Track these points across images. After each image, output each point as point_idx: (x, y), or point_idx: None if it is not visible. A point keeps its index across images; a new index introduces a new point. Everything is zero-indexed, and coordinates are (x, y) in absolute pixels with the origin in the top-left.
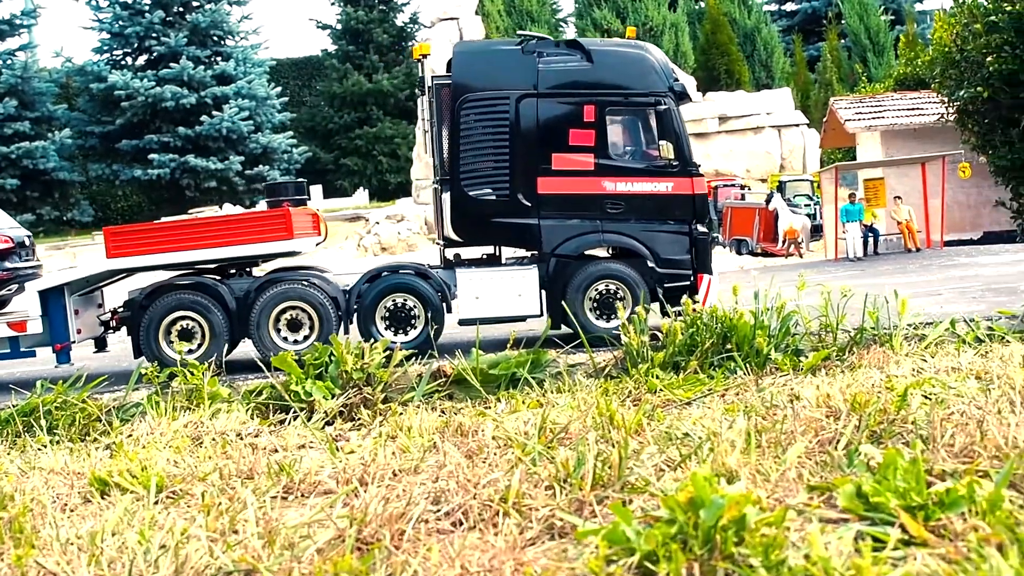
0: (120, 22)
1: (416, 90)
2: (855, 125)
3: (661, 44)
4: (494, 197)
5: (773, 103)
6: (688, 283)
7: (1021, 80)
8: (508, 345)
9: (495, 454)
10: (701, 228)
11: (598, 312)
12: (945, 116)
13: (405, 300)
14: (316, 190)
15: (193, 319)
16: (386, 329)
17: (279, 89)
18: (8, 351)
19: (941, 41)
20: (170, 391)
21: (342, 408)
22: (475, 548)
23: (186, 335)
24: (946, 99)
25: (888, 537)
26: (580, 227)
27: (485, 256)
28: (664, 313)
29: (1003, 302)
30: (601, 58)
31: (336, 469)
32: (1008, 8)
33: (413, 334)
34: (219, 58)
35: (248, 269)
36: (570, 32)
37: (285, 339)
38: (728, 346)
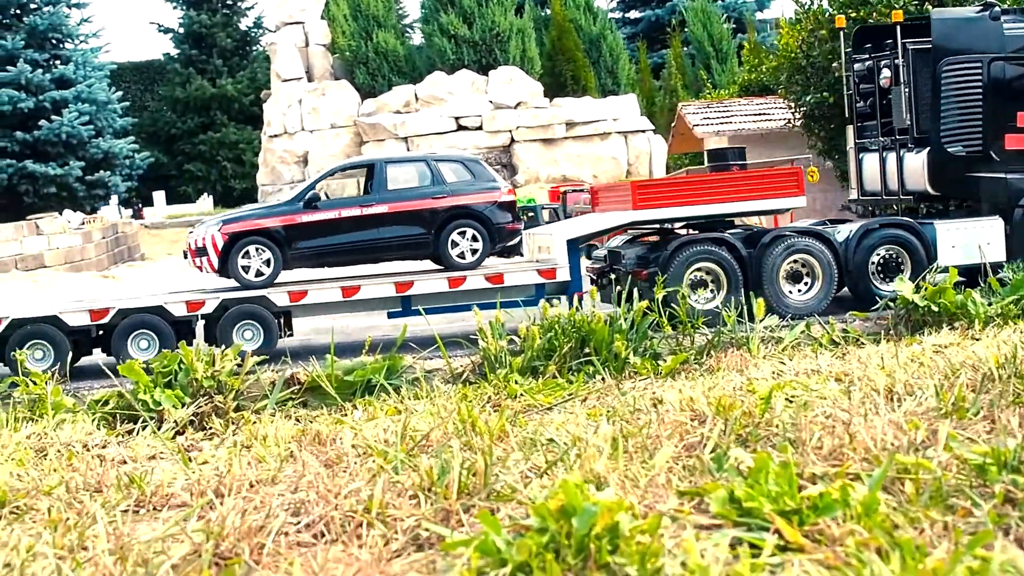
0: None
1: (838, 64)
2: (704, 130)
3: (508, 49)
4: (966, 153)
5: (619, 109)
6: None
7: None
8: (364, 350)
9: (355, 463)
10: None
11: None
12: (792, 121)
13: (892, 251)
14: (159, 196)
15: (712, 271)
16: (874, 279)
17: (120, 93)
18: (532, 297)
19: (788, 47)
20: (11, 401)
21: (193, 417)
22: (339, 561)
23: (696, 286)
24: (793, 104)
25: (764, 543)
26: None
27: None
28: None
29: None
30: None
31: (190, 481)
32: (852, 15)
33: (895, 284)
34: (58, 61)
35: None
36: (416, 38)
37: (789, 292)
38: (586, 350)
